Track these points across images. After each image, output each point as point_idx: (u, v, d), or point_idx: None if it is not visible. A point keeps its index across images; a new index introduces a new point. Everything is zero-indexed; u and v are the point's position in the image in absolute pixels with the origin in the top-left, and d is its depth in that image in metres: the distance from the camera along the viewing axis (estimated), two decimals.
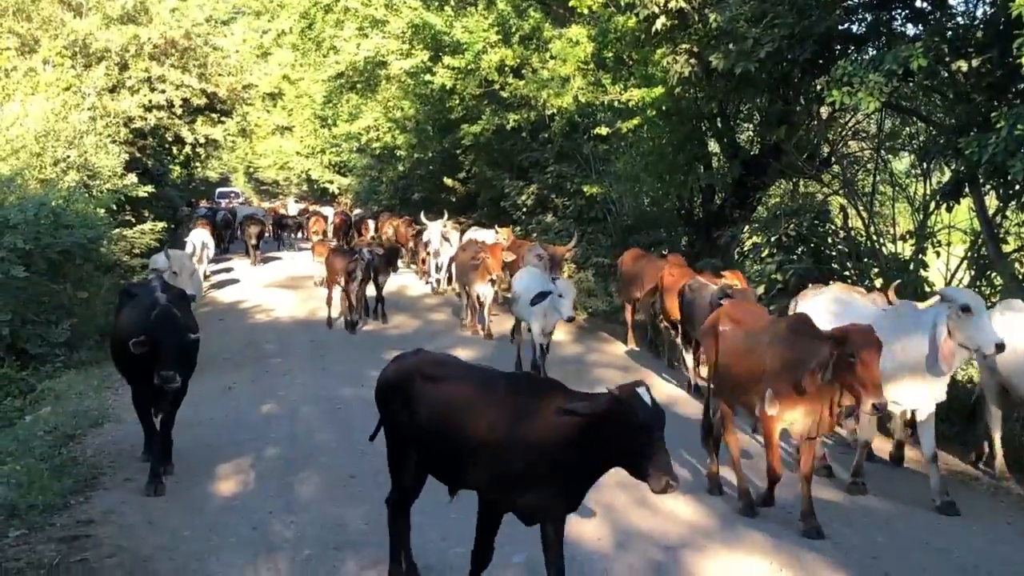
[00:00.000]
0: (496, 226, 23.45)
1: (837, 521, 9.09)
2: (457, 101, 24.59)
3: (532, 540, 8.30)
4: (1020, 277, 14.83)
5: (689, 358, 14.93)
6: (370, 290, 20.30)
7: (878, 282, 16.09)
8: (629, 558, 8.06)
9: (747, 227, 19.14)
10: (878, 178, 18.82)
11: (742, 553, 8.24)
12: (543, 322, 14.30)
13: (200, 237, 24.65)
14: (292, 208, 50.32)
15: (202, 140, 28.79)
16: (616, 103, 19.52)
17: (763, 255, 17.93)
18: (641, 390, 5.96)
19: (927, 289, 15.55)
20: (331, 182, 53.48)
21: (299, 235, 41.00)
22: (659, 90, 17.74)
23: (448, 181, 30.50)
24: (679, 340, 15.50)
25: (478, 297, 18.77)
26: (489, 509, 6.55)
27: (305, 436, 11.69)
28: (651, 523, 8.87)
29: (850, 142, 20.54)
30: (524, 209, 26.14)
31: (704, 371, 12.63)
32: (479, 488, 6.54)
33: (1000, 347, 9.34)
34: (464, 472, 6.57)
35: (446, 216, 25.08)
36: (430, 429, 6.66)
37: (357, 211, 42.09)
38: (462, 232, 24.89)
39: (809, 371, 8.24)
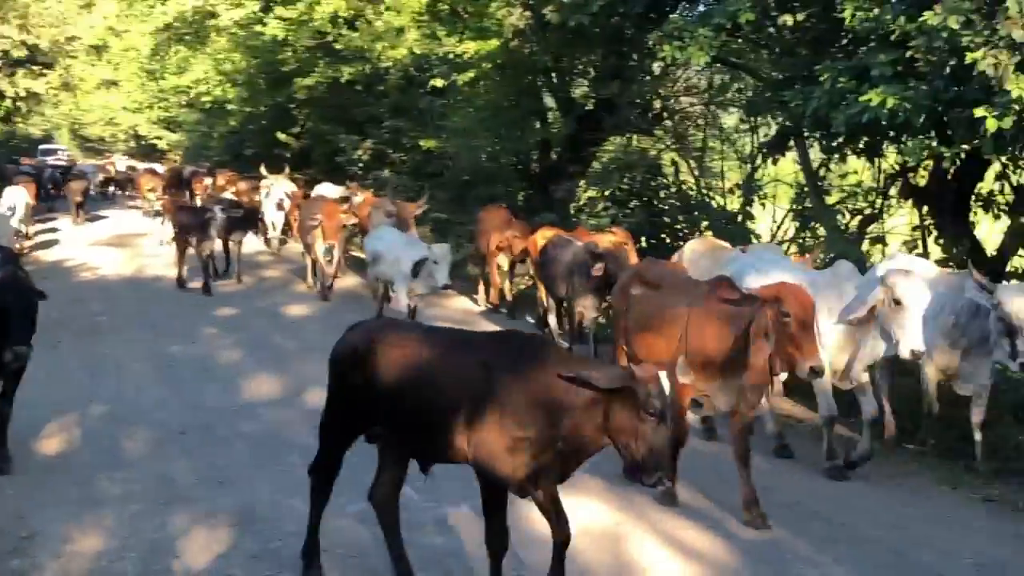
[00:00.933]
0: (347, 182, 22.97)
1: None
2: (289, 53, 24.17)
3: (365, 489, 8.33)
4: (842, 228, 15.34)
5: (552, 319, 14.63)
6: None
7: (708, 234, 16.46)
8: (467, 505, 8.05)
9: (582, 182, 19.33)
10: (708, 133, 19.25)
11: (576, 494, 8.32)
12: (416, 287, 13.88)
13: (16, 195, 23.44)
14: (120, 165, 48.86)
15: (23, 94, 27.67)
16: (451, 55, 19.44)
17: (598, 209, 18.17)
18: (662, 375, 5.55)
19: (753, 240, 15.99)
20: (160, 138, 52.18)
21: (127, 192, 39.83)
22: (494, 42, 17.72)
23: (281, 136, 29.97)
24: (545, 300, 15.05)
25: (318, 257, 17.68)
26: (488, 484, 6.06)
27: (133, 393, 11.38)
28: None
29: (682, 98, 20.88)
30: (360, 164, 25.90)
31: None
32: (471, 462, 6.02)
33: (916, 355, 8.65)
34: (447, 446, 6.03)
35: (287, 171, 24.60)
36: (404, 399, 6.11)
37: (188, 168, 41.10)
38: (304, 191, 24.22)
39: (755, 338, 7.53)
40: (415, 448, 6.42)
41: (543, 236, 14.78)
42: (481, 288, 17.59)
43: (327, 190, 22.42)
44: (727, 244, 12.89)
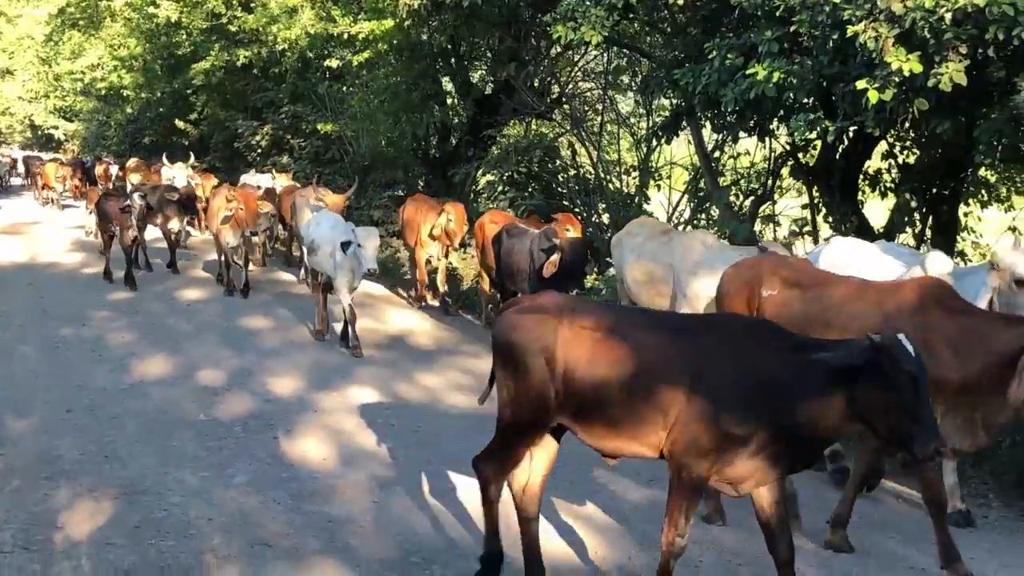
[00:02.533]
0: (274, 171, 22.55)
1: None
2: (184, 36, 23.86)
3: (254, 461, 8.31)
4: (735, 208, 15.57)
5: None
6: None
7: (605, 217, 16.60)
8: (355, 475, 8.07)
9: (481, 165, 19.33)
10: (605, 117, 19.36)
11: (466, 466, 8.34)
12: (350, 276, 12.31)
13: None
14: (17, 155, 47.73)
15: None
16: (347, 36, 19.26)
17: (497, 192, 18.18)
18: (902, 337, 5.04)
19: None
20: (56, 127, 51.11)
21: (27, 182, 38.99)
22: (389, 23, 17.62)
23: (179, 123, 29.56)
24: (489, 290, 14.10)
25: (228, 247, 15.96)
26: (685, 480, 5.42)
27: (22, 374, 11.15)
28: (378, 443, 8.91)
29: (580, 82, 20.96)
30: (259, 150, 25.64)
31: None
32: (671, 455, 5.44)
33: None
34: (645, 437, 5.52)
35: (192, 159, 24.21)
36: (597, 388, 5.54)
37: (86, 159, 40.27)
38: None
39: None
40: (599, 440, 5.75)
41: (491, 221, 13.80)
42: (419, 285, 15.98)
43: (253, 180, 21.81)
44: (666, 223, 12.65)
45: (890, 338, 5.02)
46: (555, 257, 11.36)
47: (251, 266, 16.73)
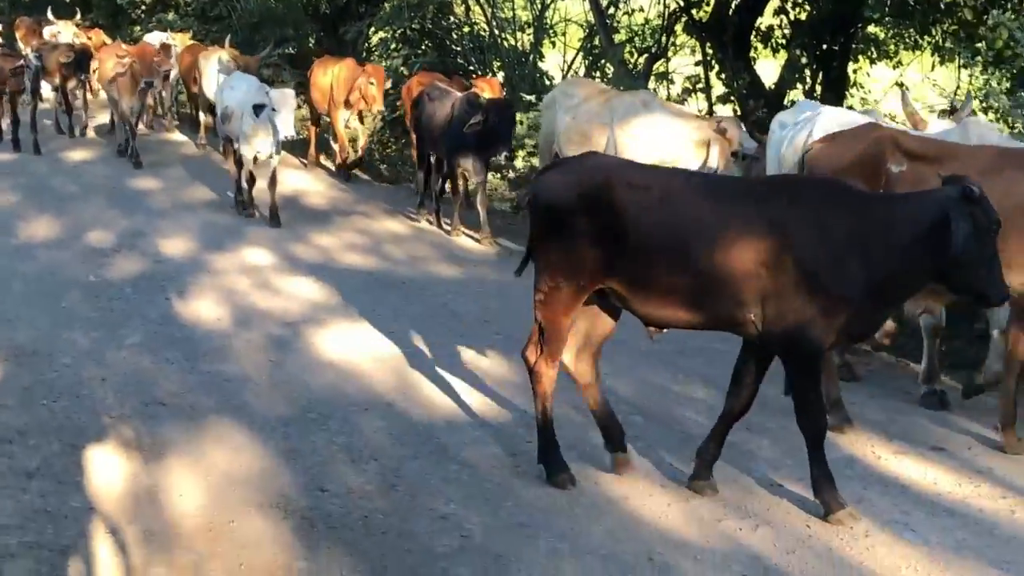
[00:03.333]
0: (169, 31, 21.57)
1: (454, 293, 9.46)
2: None
3: (146, 322, 8.23)
4: (629, 65, 15.56)
5: (421, 177, 12.67)
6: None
7: (500, 74, 16.45)
8: (249, 334, 8.05)
9: (373, 22, 18.94)
10: None
11: (362, 322, 8.41)
12: (258, 143, 11.34)
13: None
14: None
15: None
16: None
17: (390, 50, 17.87)
18: (974, 183, 4.86)
19: (547, 83, 16.08)
20: None
21: None
22: None
23: None
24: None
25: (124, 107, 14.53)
26: (805, 354, 5.17)
27: None
28: (272, 302, 8.89)
29: None
30: (143, 7, 24.76)
31: None
32: (778, 333, 5.13)
33: None
34: (718, 311, 5.22)
35: (79, 15, 23.17)
36: (656, 254, 5.20)
37: None
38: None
39: None
40: (655, 310, 5.42)
41: (419, 84, 13.05)
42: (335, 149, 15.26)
43: (154, 39, 20.67)
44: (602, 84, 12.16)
45: (961, 184, 4.87)
46: (477, 119, 10.71)
47: (140, 127, 15.59)
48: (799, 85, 14.54)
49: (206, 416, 6.48)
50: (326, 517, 5.21)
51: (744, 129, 10.06)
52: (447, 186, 12.09)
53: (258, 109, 10.94)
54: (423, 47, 17.50)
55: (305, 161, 15.18)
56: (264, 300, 8.95)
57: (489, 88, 12.41)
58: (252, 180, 11.72)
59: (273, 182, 11.50)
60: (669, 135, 9.89)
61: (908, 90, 11.93)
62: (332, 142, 15.16)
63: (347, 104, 13.99)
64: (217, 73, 14.44)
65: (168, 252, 10.29)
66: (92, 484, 5.48)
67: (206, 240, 10.75)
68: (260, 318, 8.47)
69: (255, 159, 11.47)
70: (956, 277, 4.98)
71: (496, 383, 7.21)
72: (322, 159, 15.15)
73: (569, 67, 17.05)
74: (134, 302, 8.76)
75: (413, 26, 17.25)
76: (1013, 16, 9.57)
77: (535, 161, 13.32)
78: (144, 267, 9.77)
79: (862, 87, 15.37)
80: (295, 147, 14.72)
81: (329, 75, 14.45)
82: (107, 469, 5.66)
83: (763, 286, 5.03)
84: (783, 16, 14.58)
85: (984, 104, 11.68)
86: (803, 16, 14.28)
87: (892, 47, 14.83)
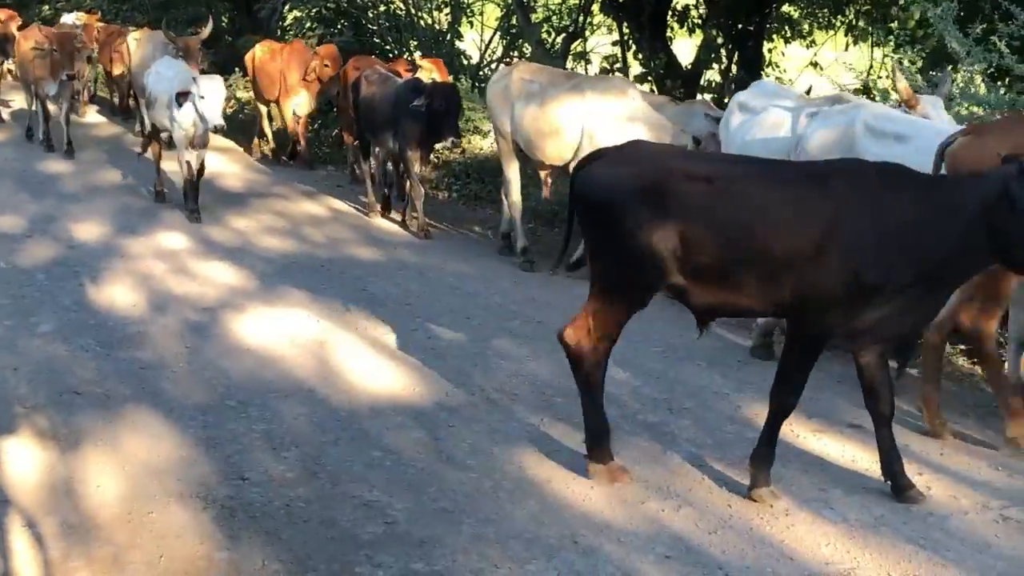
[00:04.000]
0: (76, 12, 20.96)
1: (374, 276, 9.41)
2: None
3: (59, 309, 8.07)
4: (546, 44, 15.56)
5: (366, 168, 12.21)
6: None
7: (417, 54, 16.37)
8: (165, 320, 7.92)
9: (288, 0, 18.74)
10: None
11: (281, 306, 8.33)
12: (188, 132, 10.75)
13: None
14: None
15: None
16: None
17: (305, 29, 17.72)
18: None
19: (464, 62, 16.04)
20: None
21: None
22: None
23: None
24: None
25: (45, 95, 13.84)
26: (811, 334, 5.18)
27: None
28: (188, 287, 8.76)
29: None
30: None
31: None
32: (797, 309, 5.12)
33: None
34: (767, 294, 5.15)
35: None
36: (718, 245, 5.09)
37: None
38: None
39: None
40: (712, 299, 5.31)
41: (355, 68, 12.66)
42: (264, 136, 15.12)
43: (70, 19, 20.07)
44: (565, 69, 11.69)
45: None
46: (420, 102, 10.47)
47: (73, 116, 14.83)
48: (715, 65, 14.66)
49: (123, 405, 6.35)
50: (247, 506, 5.14)
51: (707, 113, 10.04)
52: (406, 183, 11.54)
53: (181, 97, 10.49)
54: (339, 26, 17.36)
55: (252, 151, 14.87)
56: (180, 285, 8.81)
57: (437, 70, 12.18)
58: (192, 173, 10.99)
59: (200, 173, 11.06)
60: (647, 124, 9.21)
61: (823, 68, 12.08)
62: (267, 129, 14.87)
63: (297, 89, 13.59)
64: (151, 56, 13.47)
65: (81, 237, 10.09)
66: (6, 476, 5.34)
67: (120, 224, 10.56)
68: (176, 303, 8.33)
69: (184, 145, 10.86)
70: (1016, 253, 4.89)
71: (417, 367, 7.18)
72: (263, 148, 14.89)
73: (487, 46, 17.01)
74: (46, 289, 8.58)
75: (329, 5, 17.12)
76: None
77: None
78: (56, 253, 9.57)
79: (777, 66, 15.53)
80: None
81: (278, 60, 13.90)
82: (22, 460, 5.53)
83: (805, 269, 4.99)
84: None
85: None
86: None
87: (806, 27, 14.99)
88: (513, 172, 10.43)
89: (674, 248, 5.10)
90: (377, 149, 11.90)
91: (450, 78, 12.20)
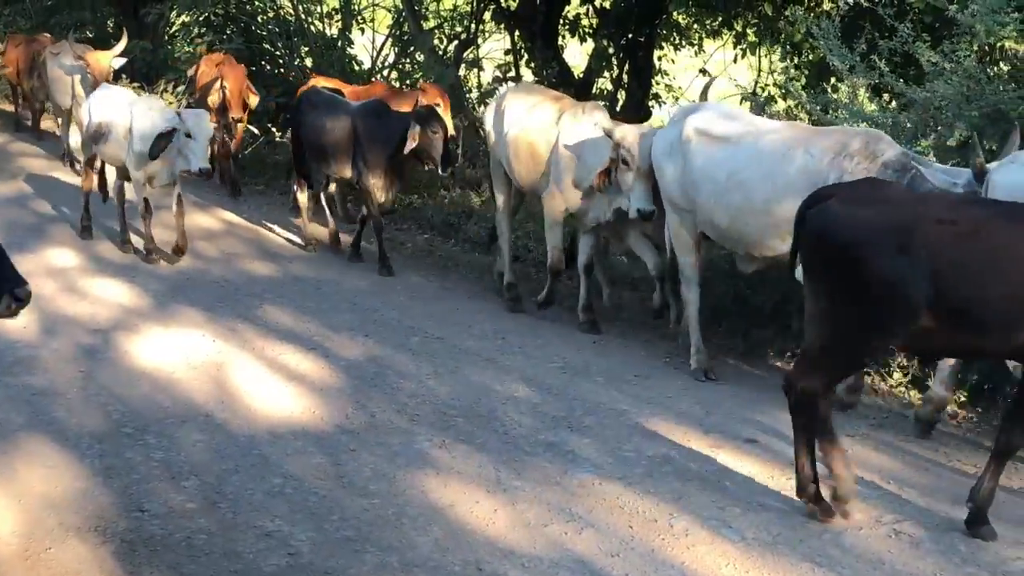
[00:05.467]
0: None
1: (271, 293, 9.34)
2: None
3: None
4: (439, 52, 15.56)
5: (303, 198, 11.04)
6: None
7: (308, 61, 16.25)
8: (56, 343, 7.77)
9: (175, 5, 18.43)
10: None
11: (176, 327, 8.22)
12: (152, 171, 9.67)
13: None
14: None
15: None
16: None
17: (194, 35, 17.45)
18: None
19: (355, 68, 15.95)
20: None
21: None
22: None
23: None
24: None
25: None
26: None
27: None
28: (79, 308, 8.58)
29: None
30: None
31: None
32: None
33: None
34: (1003, 337, 5.10)
35: None
36: (969, 292, 5.01)
37: None
38: None
39: None
40: (952, 346, 5.40)
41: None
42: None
43: None
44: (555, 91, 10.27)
45: None
46: (417, 129, 9.55)
47: None
48: (607, 73, 14.81)
49: (15, 434, 6.22)
50: (147, 540, 5.07)
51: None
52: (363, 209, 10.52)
53: (163, 138, 9.23)
54: (228, 32, 17.14)
55: None
56: (71, 305, 8.62)
57: (438, 98, 10.99)
58: (148, 210, 9.91)
59: (180, 208, 9.93)
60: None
61: (712, 76, 12.26)
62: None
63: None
64: (67, 74, 13.06)
65: None
66: None
67: (7, 241, 10.20)
68: (68, 325, 8.17)
69: (147, 184, 9.82)
70: None
71: (316, 388, 7.16)
72: None
73: (378, 52, 16.91)
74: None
75: (217, 11, 16.89)
76: (809, 13, 9.96)
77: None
78: None
79: (667, 74, 15.74)
80: None
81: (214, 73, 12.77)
82: None
83: None
84: (589, 5, 14.80)
85: (783, 92, 12.13)
86: (608, 5, 14.51)
87: (695, 36, 15.21)
88: (503, 200, 9.93)
89: (926, 292, 5.01)
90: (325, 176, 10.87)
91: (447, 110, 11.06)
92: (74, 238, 10.56)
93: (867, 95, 8.68)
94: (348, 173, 10.39)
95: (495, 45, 17.10)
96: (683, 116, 7.99)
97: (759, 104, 10.63)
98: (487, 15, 16.14)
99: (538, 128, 9.14)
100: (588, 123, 8.71)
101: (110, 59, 12.69)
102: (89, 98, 10.83)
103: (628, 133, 8.22)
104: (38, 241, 10.37)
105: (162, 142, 9.23)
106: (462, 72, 15.72)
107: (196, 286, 9.39)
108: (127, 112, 9.80)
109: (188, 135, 9.21)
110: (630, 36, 14.24)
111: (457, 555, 5.02)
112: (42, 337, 7.88)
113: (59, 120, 14.59)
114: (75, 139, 12.77)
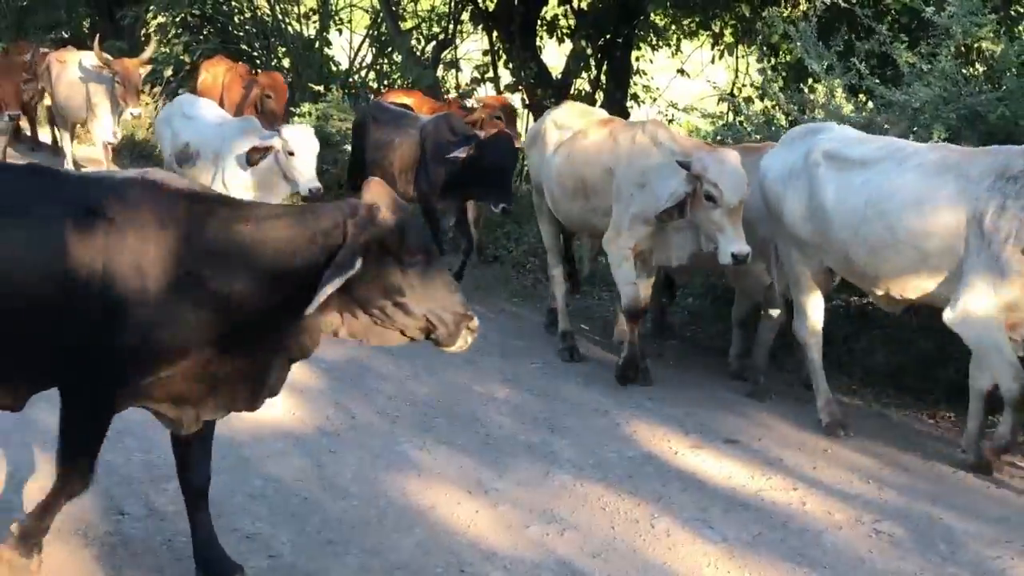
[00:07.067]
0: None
1: None
2: None
3: None
4: (417, 52, 15.57)
5: None
6: None
7: (286, 61, 16.22)
8: None
9: (151, 6, 18.36)
10: None
11: None
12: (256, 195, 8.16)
13: None
14: None
15: None
16: None
17: (170, 36, 17.38)
18: None
19: (332, 68, 15.93)
20: None
21: None
22: None
23: None
24: None
25: None
26: None
27: None
28: None
29: None
30: None
31: None
32: None
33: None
34: None
35: None
36: None
37: None
38: None
39: None
40: None
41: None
42: None
43: None
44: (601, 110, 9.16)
45: None
46: (461, 152, 8.65)
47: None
48: (584, 74, 14.85)
49: None
50: (128, 542, 5.05)
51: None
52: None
53: (256, 153, 8.24)
54: (204, 33, 17.10)
55: None
56: None
57: (500, 104, 10.46)
58: None
59: None
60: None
61: (690, 76, 12.32)
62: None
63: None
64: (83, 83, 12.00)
65: None
66: None
67: None
68: None
69: None
70: None
71: (297, 390, 7.10)
72: None
73: (356, 53, 16.90)
74: None
75: (194, 11, 16.84)
76: (785, 14, 10.01)
77: None
78: None
79: (645, 74, 15.78)
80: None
81: (219, 78, 12.53)
82: None
83: None
84: (567, 6, 14.85)
85: (760, 93, 12.20)
86: (586, 6, 14.56)
87: (673, 36, 15.27)
88: (551, 238, 8.62)
89: None
90: None
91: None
92: None
93: (844, 96, 8.71)
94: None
95: (473, 46, 17.13)
96: (802, 136, 7.00)
97: (735, 105, 10.66)
98: (465, 16, 16.16)
99: (587, 158, 7.73)
100: (648, 145, 7.24)
101: (138, 65, 11.91)
102: (170, 117, 9.68)
103: (710, 161, 6.71)
104: None
105: (254, 156, 8.25)
106: (440, 72, 15.73)
107: None
108: (218, 133, 8.90)
109: (291, 153, 8.23)
110: (608, 37, 14.30)
111: (439, 557, 5.01)
112: None
113: (58, 132, 13.94)
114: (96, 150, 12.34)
